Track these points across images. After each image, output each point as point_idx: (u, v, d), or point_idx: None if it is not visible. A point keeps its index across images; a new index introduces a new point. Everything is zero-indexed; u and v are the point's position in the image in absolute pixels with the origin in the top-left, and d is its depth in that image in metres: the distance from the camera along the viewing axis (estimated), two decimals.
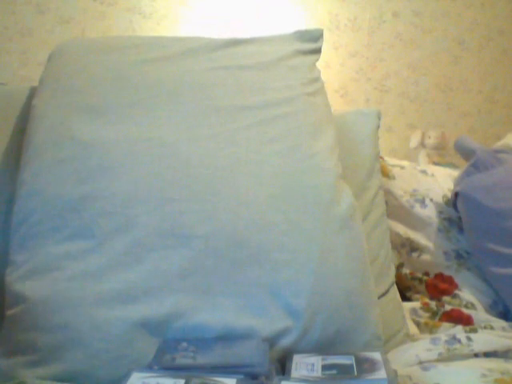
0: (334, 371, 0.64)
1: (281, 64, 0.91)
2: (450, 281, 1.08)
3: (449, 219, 1.14)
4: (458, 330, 0.89)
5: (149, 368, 0.62)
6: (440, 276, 1.09)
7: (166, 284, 0.71)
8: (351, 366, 0.65)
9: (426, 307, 1.03)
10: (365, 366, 0.65)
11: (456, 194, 1.09)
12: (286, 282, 0.72)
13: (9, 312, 0.71)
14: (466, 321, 0.99)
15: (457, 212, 1.12)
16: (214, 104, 0.83)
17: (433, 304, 1.03)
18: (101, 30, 2.07)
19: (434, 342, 0.83)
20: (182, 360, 0.63)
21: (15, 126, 0.90)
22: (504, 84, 2.40)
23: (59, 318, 0.68)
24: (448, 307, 1.02)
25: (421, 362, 0.78)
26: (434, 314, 1.02)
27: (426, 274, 1.10)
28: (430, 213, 1.14)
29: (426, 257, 1.11)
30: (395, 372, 0.67)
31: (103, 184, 0.75)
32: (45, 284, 0.70)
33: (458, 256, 1.10)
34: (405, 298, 1.05)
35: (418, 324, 0.99)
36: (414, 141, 2.16)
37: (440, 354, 0.80)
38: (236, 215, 0.74)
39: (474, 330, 0.88)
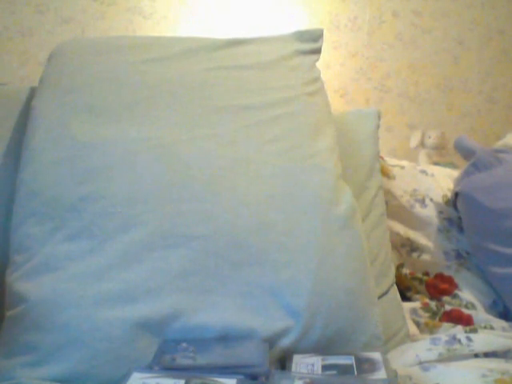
0: (334, 371, 0.64)
1: (281, 64, 0.91)
2: (449, 281, 1.08)
3: (449, 219, 1.14)
4: (458, 330, 0.89)
5: (149, 368, 0.62)
6: (440, 276, 1.09)
7: (166, 284, 0.71)
8: (351, 366, 0.65)
9: (426, 307, 1.03)
10: (365, 366, 0.65)
11: (456, 194, 1.09)
12: (285, 282, 0.72)
13: (9, 312, 0.71)
14: (465, 321, 0.99)
15: (457, 212, 1.12)
16: (214, 104, 0.83)
17: (433, 304, 1.03)
18: (101, 30, 2.06)
19: (433, 342, 0.83)
20: (182, 360, 0.63)
21: (15, 126, 0.90)
22: (504, 84, 2.40)
23: (59, 318, 0.68)
24: (448, 307, 1.02)
25: (421, 362, 0.78)
26: (434, 314, 1.02)
27: (426, 274, 1.10)
28: (429, 213, 1.14)
29: (426, 257, 1.10)
30: (395, 372, 0.67)
31: (103, 184, 0.75)
32: (45, 284, 0.70)
33: (458, 256, 1.10)
34: (405, 298, 1.05)
35: (418, 324, 0.99)
36: (414, 141, 2.16)
37: (440, 354, 0.80)
38: (236, 215, 0.74)
39: (474, 330, 0.88)
